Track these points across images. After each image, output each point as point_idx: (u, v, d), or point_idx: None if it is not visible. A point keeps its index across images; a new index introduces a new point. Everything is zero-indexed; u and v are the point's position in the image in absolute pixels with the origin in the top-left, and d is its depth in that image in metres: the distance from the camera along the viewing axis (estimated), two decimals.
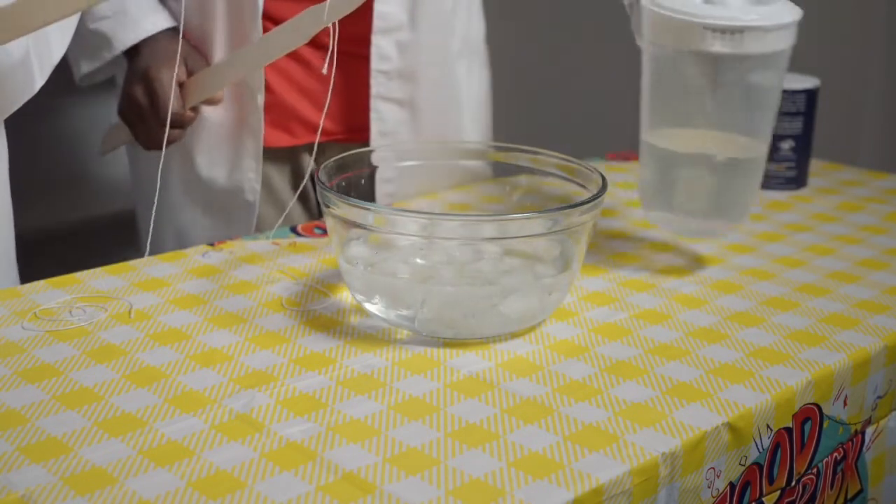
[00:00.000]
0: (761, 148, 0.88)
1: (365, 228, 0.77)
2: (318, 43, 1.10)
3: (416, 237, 0.77)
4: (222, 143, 1.13)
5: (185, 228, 1.17)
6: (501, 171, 0.91)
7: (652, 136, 0.88)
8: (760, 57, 0.82)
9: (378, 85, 1.13)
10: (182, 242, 1.14)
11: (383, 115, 1.14)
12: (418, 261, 0.79)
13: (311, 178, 1.15)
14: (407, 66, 1.13)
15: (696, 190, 0.87)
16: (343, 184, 0.85)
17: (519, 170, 0.89)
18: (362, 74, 1.13)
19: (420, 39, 1.13)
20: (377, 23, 1.10)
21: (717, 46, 0.81)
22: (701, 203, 0.88)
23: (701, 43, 0.81)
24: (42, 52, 0.77)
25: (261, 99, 1.10)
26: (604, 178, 0.79)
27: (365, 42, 1.11)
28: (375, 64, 1.11)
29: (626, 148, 1.37)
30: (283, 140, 1.15)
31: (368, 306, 0.79)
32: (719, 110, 0.85)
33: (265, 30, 1.08)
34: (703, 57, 0.82)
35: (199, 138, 1.13)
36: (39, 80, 0.79)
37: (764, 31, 0.82)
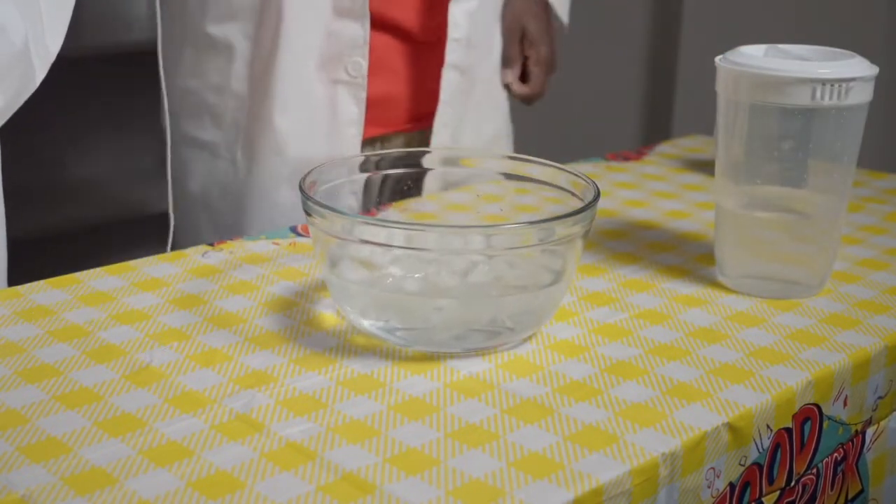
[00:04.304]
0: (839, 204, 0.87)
1: (355, 241, 0.74)
2: (390, 30, 1.19)
3: (402, 249, 0.75)
4: (316, 115, 1.17)
5: (265, 214, 1.22)
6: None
7: (736, 195, 0.87)
8: (852, 109, 0.82)
9: (451, 52, 1.21)
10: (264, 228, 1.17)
11: (451, 83, 1.23)
12: (416, 275, 0.78)
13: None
14: (470, 34, 1.23)
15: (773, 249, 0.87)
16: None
17: (509, 177, 0.89)
18: (434, 61, 1.21)
19: (483, 7, 1.24)
20: None
21: (826, 100, 0.80)
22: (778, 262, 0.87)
23: (804, 98, 0.81)
24: (40, 47, 0.77)
25: (365, 65, 1.16)
26: (596, 188, 0.78)
27: (441, 29, 1.21)
28: (452, 32, 1.21)
29: (626, 148, 1.37)
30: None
31: (366, 324, 0.77)
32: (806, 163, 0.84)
33: None
34: (791, 113, 0.82)
35: (288, 115, 1.17)
36: (40, 75, 0.78)
37: (865, 81, 0.82)
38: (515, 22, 1.34)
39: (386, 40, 1.21)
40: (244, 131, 1.21)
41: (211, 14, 1.18)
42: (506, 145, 1.40)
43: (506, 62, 1.34)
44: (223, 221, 1.25)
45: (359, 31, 1.16)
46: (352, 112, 1.18)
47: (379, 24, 1.19)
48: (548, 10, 1.38)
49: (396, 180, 0.88)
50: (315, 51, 1.16)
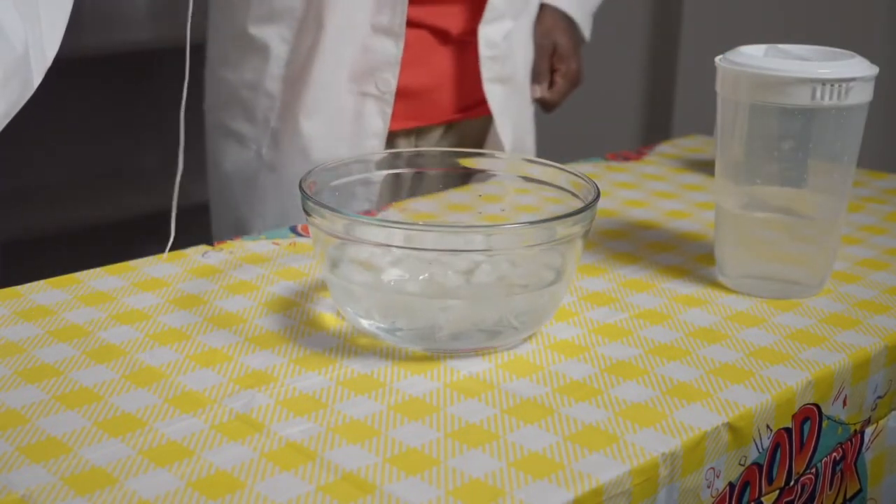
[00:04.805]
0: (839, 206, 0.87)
1: (356, 241, 0.74)
2: (428, 28, 1.23)
3: (402, 249, 0.75)
4: (342, 124, 1.20)
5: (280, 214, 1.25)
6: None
7: (736, 195, 0.87)
8: (852, 109, 0.82)
9: (487, 69, 1.26)
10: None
11: (498, 95, 1.28)
12: (421, 277, 0.78)
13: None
14: (506, 52, 1.28)
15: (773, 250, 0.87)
16: (337, 193, 0.83)
17: (509, 177, 0.89)
18: (470, 56, 1.26)
19: (518, 30, 1.30)
20: (487, 14, 1.24)
21: (826, 100, 0.80)
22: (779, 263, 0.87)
23: (804, 98, 0.81)
24: (38, 52, 0.77)
25: (394, 82, 1.19)
26: (596, 188, 0.78)
27: (474, 31, 1.25)
28: (484, 51, 1.25)
29: (626, 148, 1.37)
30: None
31: (366, 324, 0.77)
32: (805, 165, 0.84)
33: None
34: (791, 113, 0.82)
35: (316, 120, 1.20)
36: (37, 80, 0.78)
37: (865, 81, 0.82)
38: (546, 38, 1.38)
39: (422, 35, 1.24)
40: (272, 129, 1.24)
41: (253, 14, 1.22)
42: (531, 154, 1.42)
43: (536, 76, 1.39)
44: (245, 210, 1.27)
45: (392, 48, 1.19)
46: (376, 125, 1.22)
47: (416, 23, 1.22)
48: (574, 26, 1.42)
49: (427, 179, 0.89)
50: (349, 63, 1.20)
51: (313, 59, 1.19)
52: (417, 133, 1.31)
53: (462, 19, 1.26)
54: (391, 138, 1.27)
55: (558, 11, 1.40)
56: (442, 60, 1.27)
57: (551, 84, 1.40)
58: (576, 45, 1.41)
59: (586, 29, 1.45)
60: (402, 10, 1.18)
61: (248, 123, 1.25)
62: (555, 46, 1.39)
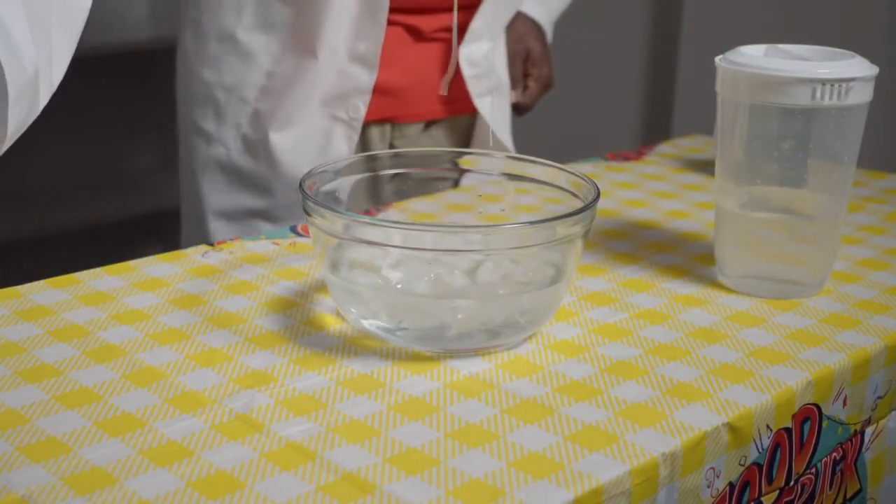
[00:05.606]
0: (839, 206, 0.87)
1: (360, 242, 0.74)
2: (402, 26, 1.25)
3: (401, 249, 0.75)
4: (310, 143, 1.23)
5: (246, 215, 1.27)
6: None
7: (737, 195, 0.87)
8: (852, 109, 0.82)
9: (474, 87, 1.28)
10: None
11: (487, 105, 1.30)
12: (425, 278, 0.78)
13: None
14: (488, 69, 1.30)
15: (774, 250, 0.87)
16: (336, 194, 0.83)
17: (509, 177, 0.89)
18: (446, 55, 1.28)
19: (497, 44, 1.33)
20: (468, 36, 1.26)
21: (826, 100, 0.81)
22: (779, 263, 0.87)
23: (804, 98, 0.81)
24: (45, 75, 0.77)
25: (363, 109, 1.21)
26: (596, 188, 0.78)
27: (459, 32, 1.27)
28: (467, 70, 1.26)
29: (626, 148, 1.37)
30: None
31: (366, 324, 0.76)
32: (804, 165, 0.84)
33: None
34: (791, 113, 0.82)
35: (285, 135, 1.22)
36: (43, 103, 0.78)
37: (865, 81, 0.82)
38: (520, 43, 1.41)
39: (395, 32, 1.25)
40: (243, 135, 1.25)
41: (245, 20, 1.23)
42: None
43: (511, 82, 1.41)
44: (207, 208, 1.29)
45: (365, 77, 1.21)
46: (342, 150, 1.23)
47: (389, 22, 1.22)
48: (543, 33, 1.45)
49: (423, 180, 0.90)
50: (324, 86, 1.22)
51: (292, 78, 1.21)
52: (393, 128, 1.31)
53: (436, 21, 1.27)
54: (364, 132, 1.28)
55: (529, 18, 1.44)
56: (415, 58, 1.27)
57: (524, 88, 1.43)
58: (547, 51, 1.45)
59: (549, 35, 1.48)
60: (377, 41, 1.20)
61: (218, 124, 1.27)
62: (528, 52, 1.42)
